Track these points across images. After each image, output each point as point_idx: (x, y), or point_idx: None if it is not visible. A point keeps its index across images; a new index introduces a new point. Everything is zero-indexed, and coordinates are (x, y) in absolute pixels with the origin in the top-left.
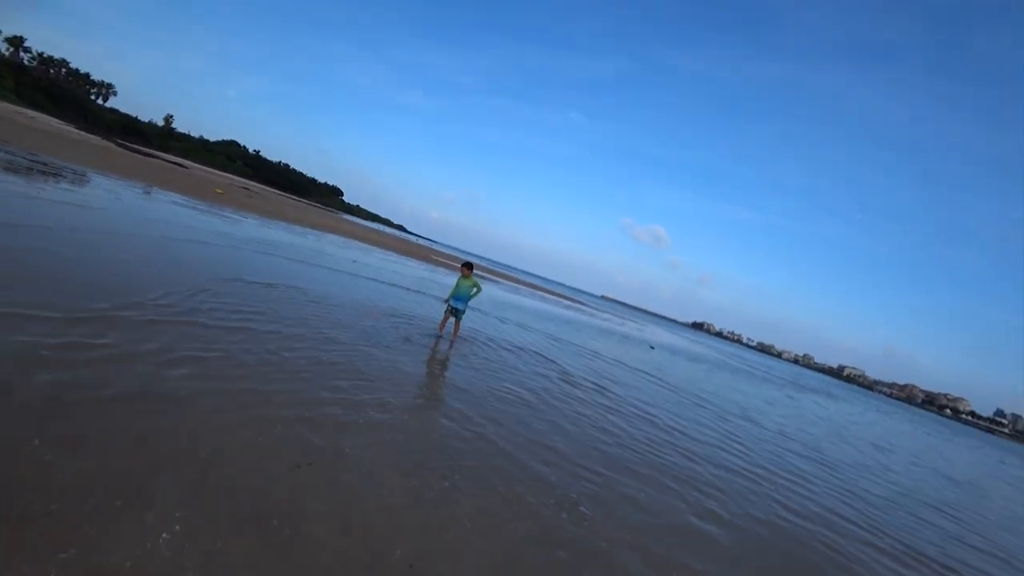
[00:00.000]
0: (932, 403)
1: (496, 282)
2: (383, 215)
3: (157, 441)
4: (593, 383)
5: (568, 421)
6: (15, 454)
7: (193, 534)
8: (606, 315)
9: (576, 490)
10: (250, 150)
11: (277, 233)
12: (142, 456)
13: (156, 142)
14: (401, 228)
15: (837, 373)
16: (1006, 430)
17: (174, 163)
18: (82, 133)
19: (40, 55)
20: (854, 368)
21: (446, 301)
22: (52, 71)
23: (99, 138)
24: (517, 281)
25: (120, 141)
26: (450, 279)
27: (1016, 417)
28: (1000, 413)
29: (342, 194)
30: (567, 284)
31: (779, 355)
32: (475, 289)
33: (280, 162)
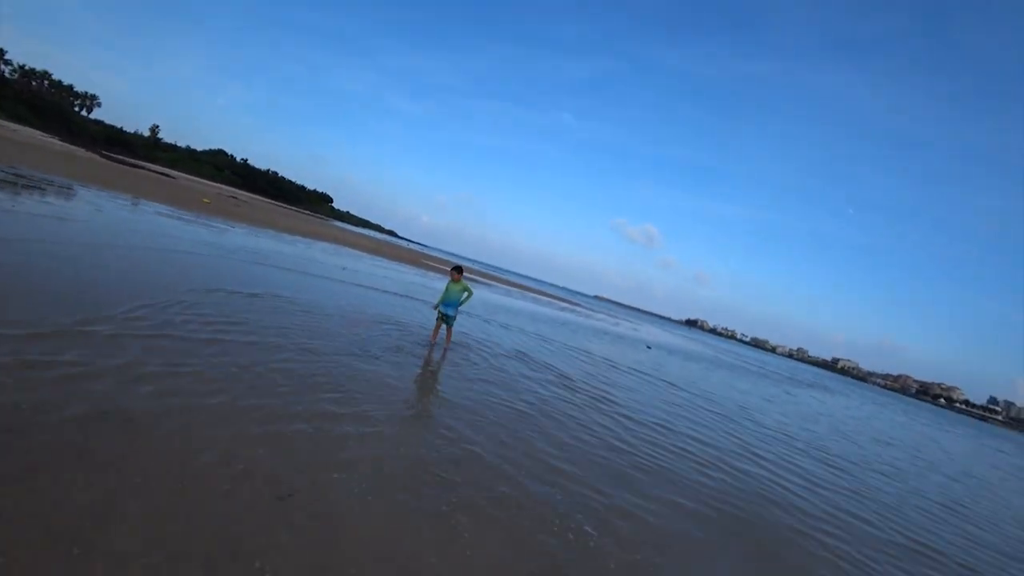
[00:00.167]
0: (926, 393)
1: (489, 285)
2: (373, 220)
3: (116, 469)
4: (592, 389)
5: (569, 434)
6: None
7: None
8: (601, 315)
9: (587, 519)
10: (238, 159)
11: (264, 241)
12: (96, 491)
13: (142, 153)
14: (392, 233)
15: (831, 366)
16: (1000, 417)
17: (160, 173)
18: (65, 145)
19: (22, 67)
20: (848, 360)
21: (435, 307)
22: (34, 83)
23: (83, 150)
24: (510, 284)
25: (105, 152)
26: (441, 283)
27: (1009, 404)
28: (993, 401)
29: (331, 201)
30: (561, 285)
31: (773, 350)
32: (466, 294)
33: (269, 170)
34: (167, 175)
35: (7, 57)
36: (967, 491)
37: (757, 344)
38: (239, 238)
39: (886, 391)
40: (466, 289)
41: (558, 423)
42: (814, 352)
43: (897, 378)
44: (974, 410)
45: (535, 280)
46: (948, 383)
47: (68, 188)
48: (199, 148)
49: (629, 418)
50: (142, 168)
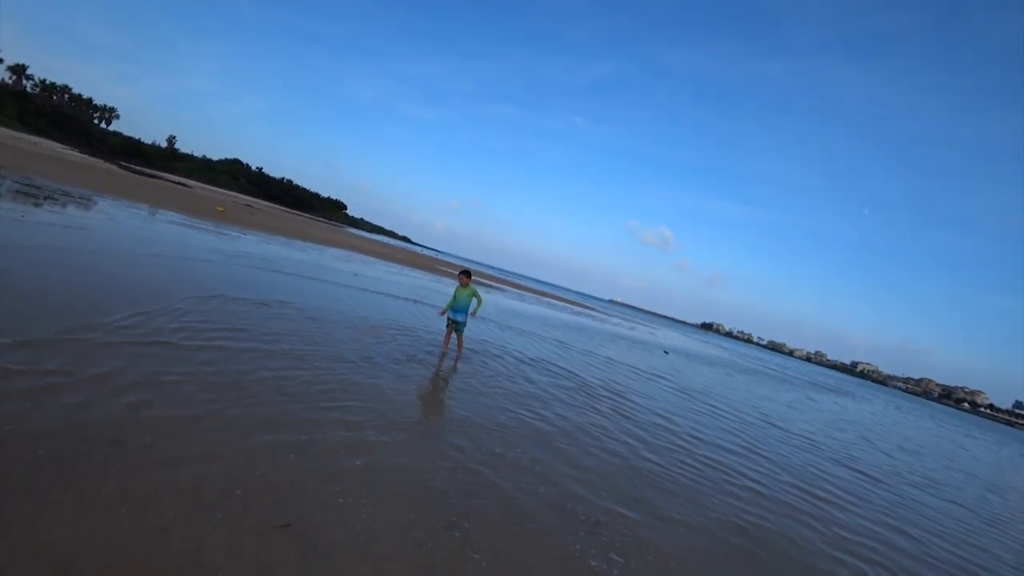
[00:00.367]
0: (949, 397)
1: (503, 290)
2: (387, 227)
3: (91, 491)
4: (613, 397)
5: (592, 458)
6: None
7: None
8: (616, 319)
9: (611, 549)
10: (253, 168)
11: (276, 248)
12: (73, 526)
13: (159, 163)
14: (406, 239)
15: (850, 369)
16: None
17: (176, 183)
18: (85, 156)
19: (42, 82)
20: (867, 364)
21: (442, 313)
22: (55, 97)
23: (102, 161)
24: (524, 288)
25: (123, 163)
26: (453, 288)
27: None
28: (1019, 405)
29: (345, 207)
30: (575, 289)
31: (791, 353)
32: (475, 299)
33: (283, 178)
34: (183, 184)
35: (28, 72)
36: (1006, 505)
37: (774, 347)
38: (250, 245)
39: (908, 395)
40: (475, 294)
41: (577, 442)
42: (833, 355)
43: (919, 382)
44: (999, 415)
45: (548, 284)
46: (972, 387)
47: (87, 199)
48: (215, 157)
49: (655, 425)
50: (159, 178)
